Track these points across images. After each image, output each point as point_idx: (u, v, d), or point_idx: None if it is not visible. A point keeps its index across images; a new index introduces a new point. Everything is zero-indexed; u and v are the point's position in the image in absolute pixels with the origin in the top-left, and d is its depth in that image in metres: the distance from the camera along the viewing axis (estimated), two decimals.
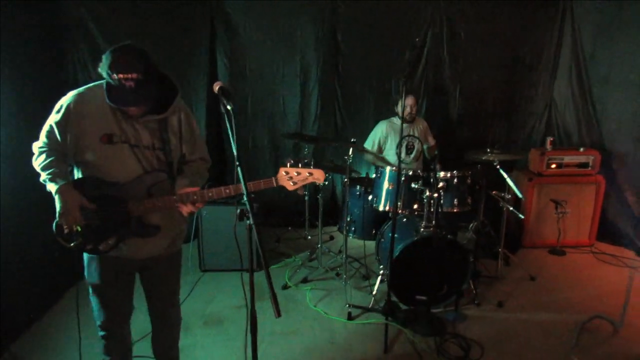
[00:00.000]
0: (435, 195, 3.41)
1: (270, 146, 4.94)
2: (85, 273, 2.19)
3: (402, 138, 3.92)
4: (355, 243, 4.38)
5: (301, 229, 4.82)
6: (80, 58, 3.92)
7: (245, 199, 1.81)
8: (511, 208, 3.85)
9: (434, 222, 3.46)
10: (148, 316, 2.44)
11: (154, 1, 4.17)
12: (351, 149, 3.60)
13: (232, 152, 5.00)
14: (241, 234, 3.84)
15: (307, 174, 2.05)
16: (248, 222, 1.87)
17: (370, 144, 4.34)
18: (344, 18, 4.67)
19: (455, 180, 3.57)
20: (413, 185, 3.49)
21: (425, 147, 4.46)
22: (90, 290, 2.20)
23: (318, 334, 3.27)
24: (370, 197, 3.67)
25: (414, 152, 4.25)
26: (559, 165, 4.50)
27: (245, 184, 1.87)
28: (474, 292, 3.67)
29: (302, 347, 3.13)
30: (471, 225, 4.39)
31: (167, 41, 4.28)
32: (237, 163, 1.84)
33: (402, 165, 4.20)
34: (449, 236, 3.43)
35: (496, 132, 5.06)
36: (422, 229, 3.45)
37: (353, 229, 4.07)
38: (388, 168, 3.62)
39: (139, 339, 2.83)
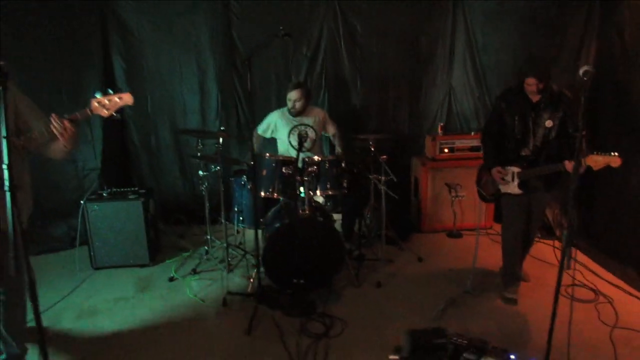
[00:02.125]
0: (306, 179, 3.50)
1: (174, 145, 4.98)
2: None
3: (293, 127, 4.06)
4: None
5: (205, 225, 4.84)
6: None
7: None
8: (393, 192, 3.94)
9: (306, 205, 3.54)
10: None
11: (42, 1, 4.21)
12: (221, 139, 3.66)
13: (137, 155, 5.02)
14: (132, 228, 3.99)
15: (117, 99, 2.37)
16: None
17: (262, 129, 4.44)
18: (238, 15, 4.75)
19: (327, 164, 3.65)
20: (284, 170, 3.55)
21: (330, 136, 4.55)
22: None
23: (188, 321, 3.29)
24: (249, 186, 3.72)
25: (307, 141, 4.32)
26: (451, 150, 4.62)
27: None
28: (353, 274, 3.74)
29: (168, 333, 3.17)
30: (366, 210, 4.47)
31: (57, 44, 4.32)
32: None
33: (294, 153, 4.30)
34: (319, 219, 3.51)
35: (400, 121, 5.17)
36: (296, 213, 3.52)
37: (241, 218, 4.11)
38: (267, 155, 3.68)
39: None
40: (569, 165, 2.93)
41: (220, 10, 4.74)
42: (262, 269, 3.44)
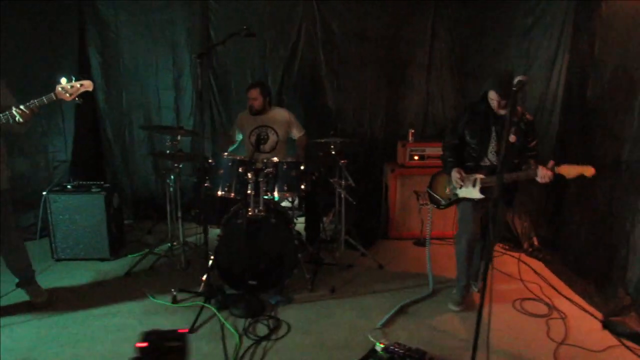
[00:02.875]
0: (261, 180, 3.49)
1: (147, 140, 5.00)
2: None
3: (254, 129, 4.06)
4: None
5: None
6: None
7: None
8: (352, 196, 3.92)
9: (261, 206, 3.52)
10: None
11: None
12: (179, 136, 3.67)
13: (110, 148, 5.06)
14: (94, 222, 4.00)
15: (79, 85, 2.78)
16: None
17: (234, 129, 4.49)
18: (216, 14, 4.77)
19: (285, 166, 3.63)
20: (241, 170, 3.55)
21: (294, 138, 4.54)
22: None
23: (133, 317, 3.29)
24: (206, 184, 3.71)
25: (268, 143, 4.32)
26: (421, 157, 4.58)
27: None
28: (307, 277, 3.72)
29: (112, 326, 3.17)
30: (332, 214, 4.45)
31: (33, 36, 4.37)
32: None
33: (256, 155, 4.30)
34: (272, 220, 3.49)
35: (376, 125, 5.14)
36: (248, 214, 3.51)
37: (202, 217, 4.09)
38: (225, 154, 3.68)
39: None
40: (542, 171, 2.93)
41: (198, 9, 4.76)
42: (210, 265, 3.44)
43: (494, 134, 3.24)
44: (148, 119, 4.95)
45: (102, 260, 4.13)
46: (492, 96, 3.11)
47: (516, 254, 4.38)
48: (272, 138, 4.33)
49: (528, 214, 4.50)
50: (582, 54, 3.95)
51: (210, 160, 3.69)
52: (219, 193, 3.61)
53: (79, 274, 3.89)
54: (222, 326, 3.14)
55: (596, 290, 3.60)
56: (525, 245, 4.47)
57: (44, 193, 3.96)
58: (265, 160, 3.64)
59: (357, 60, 4.97)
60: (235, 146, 4.52)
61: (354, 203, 3.99)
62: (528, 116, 3.23)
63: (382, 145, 5.14)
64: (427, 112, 5.10)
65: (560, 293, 3.71)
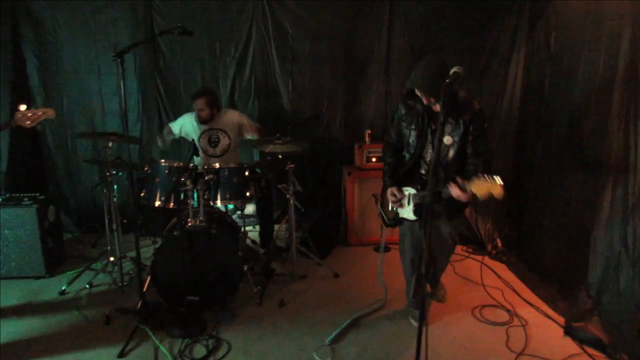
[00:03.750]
0: (199, 187, 3.25)
1: (92, 148, 4.71)
2: None
3: (204, 132, 3.82)
4: None
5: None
6: None
7: None
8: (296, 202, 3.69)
9: (201, 216, 3.28)
10: None
11: None
12: (110, 143, 3.40)
13: (52, 159, 4.73)
14: (26, 237, 3.70)
15: (41, 113, 2.68)
16: None
17: (175, 125, 4.20)
18: (161, 14, 4.51)
19: (226, 172, 3.39)
20: (179, 178, 3.29)
21: (251, 138, 4.29)
22: None
23: (62, 339, 3.01)
24: (142, 194, 3.45)
25: (219, 145, 4.08)
26: (379, 159, 4.37)
27: None
28: (255, 291, 3.47)
29: (36, 351, 2.89)
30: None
31: None
32: None
33: (207, 158, 4.06)
34: (212, 231, 3.24)
35: (335, 127, 4.93)
36: (188, 224, 3.26)
37: (143, 229, 3.84)
38: (162, 161, 3.42)
39: None
40: (454, 190, 2.39)
41: (142, 8, 4.50)
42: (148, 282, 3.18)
43: (429, 135, 2.73)
44: (92, 126, 4.66)
45: (37, 278, 3.83)
46: (418, 92, 2.61)
47: (479, 257, 4.20)
48: (223, 141, 4.09)
49: (491, 215, 4.33)
50: (539, 48, 3.80)
51: (145, 168, 3.43)
52: (156, 203, 3.35)
53: (8, 295, 3.58)
54: (157, 349, 2.88)
55: (559, 294, 3.44)
56: (489, 248, 4.30)
57: None
58: (206, 167, 3.40)
59: (312, 59, 4.75)
60: (162, 145, 4.22)
61: (302, 210, 3.75)
62: (475, 104, 2.62)
63: (342, 148, 4.92)
64: (387, 110, 4.89)
65: (522, 298, 3.53)
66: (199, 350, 2.89)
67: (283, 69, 4.75)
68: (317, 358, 2.78)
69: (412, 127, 2.80)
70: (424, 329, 2.01)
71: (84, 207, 4.76)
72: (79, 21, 4.44)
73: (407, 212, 2.90)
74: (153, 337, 2.96)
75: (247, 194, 3.48)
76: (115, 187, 3.62)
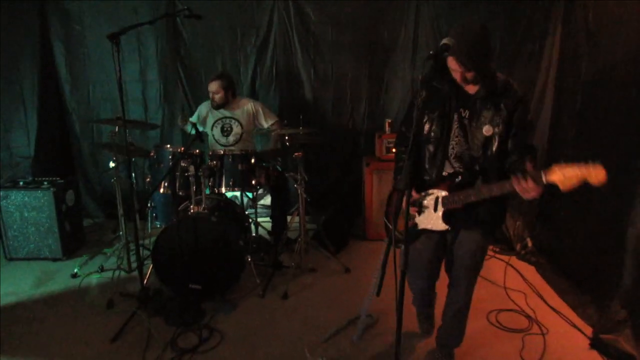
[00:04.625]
0: (200, 174, 3.18)
1: (117, 135, 4.77)
2: None
3: (217, 120, 3.77)
4: None
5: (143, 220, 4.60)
6: None
7: None
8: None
9: (202, 203, 3.21)
10: None
11: None
12: (117, 127, 3.39)
13: (78, 143, 4.85)
14: (45, 220, 3.79)
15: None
16: None
17: (194, 118, 4.19)
18: (181, 1, 4.49)
19: (230, 159, 3.30)
20: (183, 164, 3.24)
21: (264, 128, 4.19)
22: None
23: (63, 321, 3.05)
24: (148, 179, 3.43)
25: (232, 134, 4.00)
26: None
27: None
28: (259, 282, 3.37)
29: (36, 331, 2.94)
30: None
31: None
32: None
33: (219, 147, 3.99)
34: (213, 218, 3.16)
35: (359, 117, 4.73)
36: (190, 211, 3.20)
37: (154, 214, 3.82)
38: (167, 146, 3.39)
39: None
40: (519, 183, 1.89)
41: None
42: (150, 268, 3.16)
43: (456, 123, 2.21)
44: (116, 113, 4.72)
45: (54, 260, 3.92)
46: (451, 64, 2.04)
47: (506, 258, 3.88)
48: (236, 129, 4.01)
49: (521, 212, 3.98)
50: (576, 28, 3.43)
51: (152, 154, 3.40)
52: (161, 189, 3.32)
53: (25, 276, 3.69)
54: (149, 335, 2.84)
55: (591, 301, 3.09)
56: (518, 247, 3.96)
57: None
58: (210, 153, 3.33)
59: (335, 46, 4.58)
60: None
61: (308, 200, 3.59)
62: (518, 90, 2.13)
63: (366, 139, 4.72)
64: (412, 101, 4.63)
65: (547, 304, 3.20)
66: (191, 339, 2.82)
67: (305, 56, 4.62)
68: (307, 355, 2.63)
69: (435, 114, 2.23)
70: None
71: (108, 192, 4.85)
72: (104, 10, 4.51)
73: (433, 220, 2.29)
74: (148, 322, 2.92)
75: (253, 181, 3.37)
76: (133, 173, 3.64)
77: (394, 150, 4.13)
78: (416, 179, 2.34)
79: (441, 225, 2.26)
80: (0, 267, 3.84)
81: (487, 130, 2.12)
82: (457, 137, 2.21)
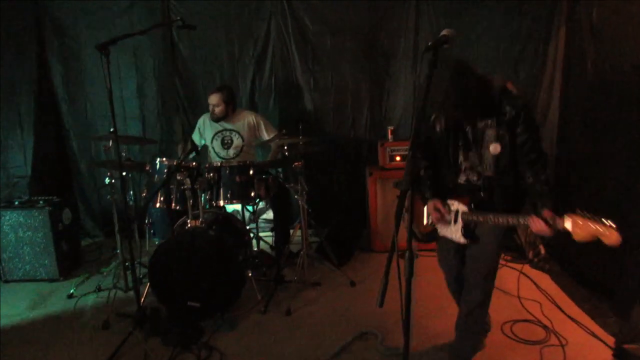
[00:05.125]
0: (197, 186, 3.07)
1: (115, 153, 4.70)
2: None
3: (217, 132, 3.68)
4: None
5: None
6: None
7: None
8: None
9: (200, 218, 3.10)
10: None
11: None
12: (111, 142, 3.29)
13: (76, 161, 4.75)
14: (40, 239, 3.69)
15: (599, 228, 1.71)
16: None
17: (195, 134, 4.11)
18: (178, 14, 4.43)
19: (227, 170, 3.19)
20: (178, 177, 3.13)
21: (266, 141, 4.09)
22: None
23: (58, 343, 2.92)
24: (144, 194, 3.32)
25: (232, 147, 3.90)
26: (403, 158, 4.02)
27: None
28: (260, 297, 3.23)
29: (30, 354, 2.81)
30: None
31: None
32: None
33: (219, 160, 3.89)
34: (211, 232, 3.04)
35: (360, 126, 4.63)
36: (187, 226, 3.08)
37: (152, 231, 3.71)
38: (158, 159, 3.29)
39: None
40: (536, 224, 1.89)
41: (160, 10, 4.46)
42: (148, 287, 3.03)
43: (462, 136, 2.17)
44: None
45: (51, 281, 3.81)
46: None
47: (519, 266, 3.71)
48: (236, 142, 3.92)
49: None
50: (580, 26, 3.32)
51: (147, 167, 3.31)
52: (157, 204, 3.21)
53: (20, 297, 3.57)
54: (146, 356, 2.70)
55: (611, 310, 2.92)
56: (530, 255, 3.80)
57: None
58: (207, 165, 3.23)
59: (334, 55, 4.50)
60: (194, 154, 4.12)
61: (309, 211, 3.47)
62: (518, 97, 2.05)
63: (368, 148, 4.61)
64: (415, 107, 4.53)
65: (565, 313, 3.03)
66: (190, 359, 2.68)
67: (304, 66, 4.55)
68: None
69: (443, 122, 2.21)
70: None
71: (106, 210, 4.75)
72: (100, 26, 4.47)
73: (453, 232, 2.28)
74: (144, 343, 2.78)
75: (252, 194, 3.26)
76: (130, 190, 3.55)
77: (397, 158, 4.02)
78: (438, 186, 2.34)
79: (460, 239, 2.24)
80: None
81: (494, 149, 2.09)
82: (466, 151, 2.19)
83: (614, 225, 1.67)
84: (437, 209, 2.28)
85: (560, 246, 3.67)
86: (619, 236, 1.66)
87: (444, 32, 1.71)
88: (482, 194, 2.19)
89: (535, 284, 3.45)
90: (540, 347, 2.67)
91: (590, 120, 3.21)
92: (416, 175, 2.00)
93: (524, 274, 3.58)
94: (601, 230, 1.68)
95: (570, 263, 3.49)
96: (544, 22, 3.71)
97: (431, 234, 2.45)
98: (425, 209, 2.42)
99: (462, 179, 2.26)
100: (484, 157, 2.13)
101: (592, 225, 1.71)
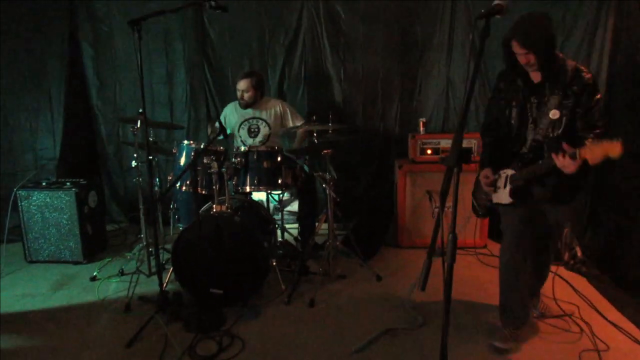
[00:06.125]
0: (224, 170, 3.00)
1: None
2: None
3: (244, 121, 3.63)
4: None
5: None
6: None
7: None
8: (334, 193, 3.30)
9: (226, 203, 3.03)
10: None
11: None
12: (139, 122, 3.26)
13: (104, 147, 4.77)
14: (66, 222, 3.69)
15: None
16: None
17: (222, 119, 4.06)
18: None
19: (255, 156, 3.12)
20: (205, 161, 3.07)
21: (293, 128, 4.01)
22: None
23: (77, 325, 2.89)
24: (170, 177, 3.28)
25: (259, 136, 3.84)
26: (435, 151, 3.89)
27: None
28: (284, 288, 3.15)
29: (49, 336, 2.79)
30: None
31: (19, 28, 4.23)
32: None
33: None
34: (236, 218, 2.97)
35: (390, 118, 4.51)
36: (212, 211, 3.02)
37: (177, 217, 3.66)
38: (185, 142, 3.24)
39: None
40: (559, 159, 2.12)
41: None
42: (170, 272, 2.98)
43: (532, 109, 2.40)
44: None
45: (75, 263, 3.80)
46: (515, 48, 2.24)
47: (554, 268, 3.52)
48: (264, 130, 3.85)
49: (569, 217, 3.65)
50: (630, 17, 3.14)
51: (174, 151, 3.26)
52: (183, 188, 3.16)
53: (44, 278, 3.58)
54: (167, 341, 2.65)
55: None
56: (566, 257, 3.62)
57: (15, 190, 3.71)
58: (235, 150, 3.16)
59: (365, 44, 4.39)
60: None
61: (338, 200, 3.36)
62: (585, 74, 2.25)
63: (398, 140, 4.48)
64: (448, 100, 4.40)
65: (604, 317, 2.86)
66: (211, 346, 2.61)
67: (334, 56, 4.45)
68: None
69: (513, 103, 2.49)
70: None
71: (132, 195, 4.74)
72: (131, 11, 4.45)
73: (502, 195, 2.54)
74: (165, 328, 2.73)
75: (279, 181, 3.18)
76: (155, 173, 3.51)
77: (428, 151, 3.89)
78: (494, 160, 2.61)
79: (507, 199, 2.50)
80: (20, 269, 3.75)
81: (553, 114, 2.31)
82: (531, 124, 2.42)
83: (618, 139, 1.90)
84: (486, 176, 2.58)
85: (599, 248, 3.50)
86: (621, 146, 1.89)
87: (497, 1, 1.59)
88: (530, 156, 2.43)
89: (572, 286, 3.27)
90: (579, 352, 2.51)
91: (637, 118, 3.03)
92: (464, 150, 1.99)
93: (559, 275, 3.40)
94: (607, 146, 1.92)
95: (609, 266, 3.31)
96: (590, 13, 3.53)
97: (488, 207, 2.72)
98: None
99: (526, 148, 2.47)
100: (541, 122, 2.36)
101: (597, 145, 1.96)
